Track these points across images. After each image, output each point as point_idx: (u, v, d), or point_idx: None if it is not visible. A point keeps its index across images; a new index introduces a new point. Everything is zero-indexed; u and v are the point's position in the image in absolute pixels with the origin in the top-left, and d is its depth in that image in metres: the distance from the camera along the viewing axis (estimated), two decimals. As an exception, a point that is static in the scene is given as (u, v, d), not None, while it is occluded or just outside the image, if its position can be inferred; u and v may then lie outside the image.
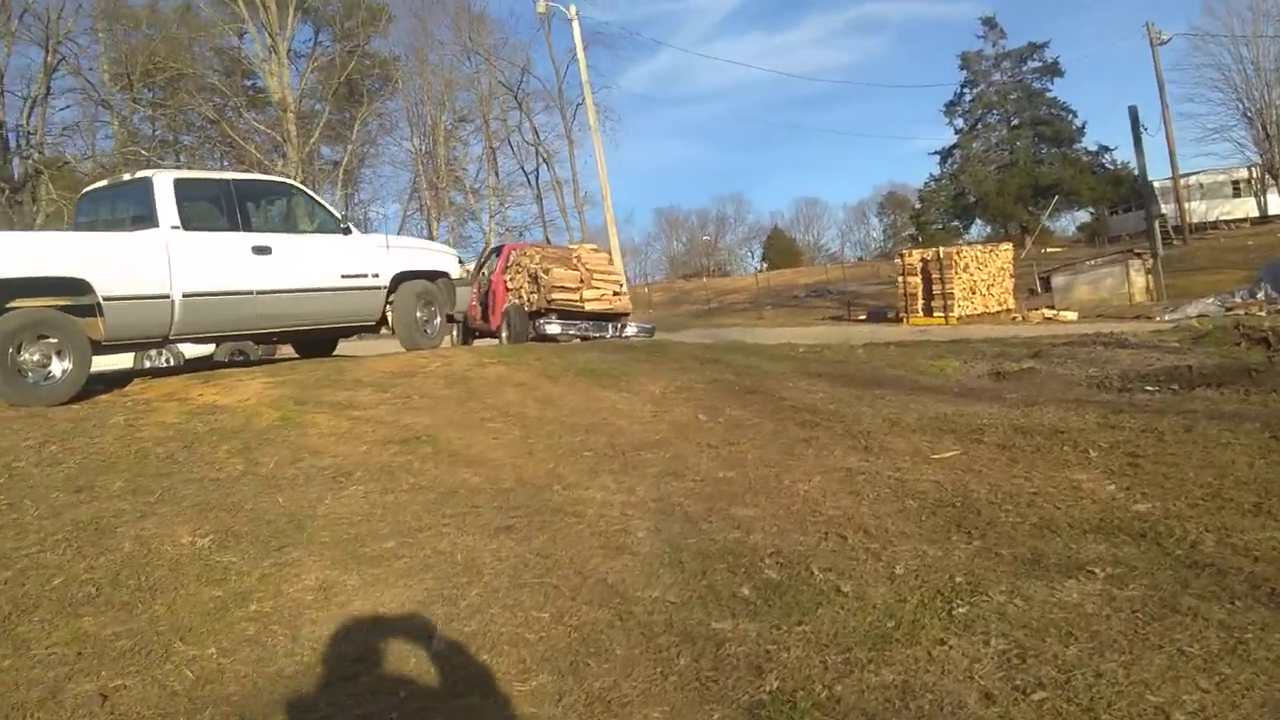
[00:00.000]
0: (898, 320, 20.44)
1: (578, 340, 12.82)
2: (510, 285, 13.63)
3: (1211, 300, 16.91)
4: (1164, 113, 36.03)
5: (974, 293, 20.18)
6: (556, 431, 6.14)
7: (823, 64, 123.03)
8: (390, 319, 9.61)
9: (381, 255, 9.34)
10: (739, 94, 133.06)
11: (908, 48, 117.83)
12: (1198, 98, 44.45)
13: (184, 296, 7.80)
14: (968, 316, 19.69)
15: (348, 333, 9.83)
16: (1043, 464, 4.75)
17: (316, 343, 10.10)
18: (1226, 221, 42.30)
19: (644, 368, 8.50)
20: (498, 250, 15.04)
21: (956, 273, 19.43)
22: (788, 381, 7.77)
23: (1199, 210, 42.60)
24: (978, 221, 61.14)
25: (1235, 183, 43.89)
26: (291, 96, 40.76)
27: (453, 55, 47.23)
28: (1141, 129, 24.72)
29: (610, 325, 13.03)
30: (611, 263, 14.58)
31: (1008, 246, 22.38)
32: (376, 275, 9.29)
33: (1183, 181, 40.76)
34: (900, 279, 20.47)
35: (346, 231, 9.09)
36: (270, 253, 8.41)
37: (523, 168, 44.83)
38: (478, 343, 14.57)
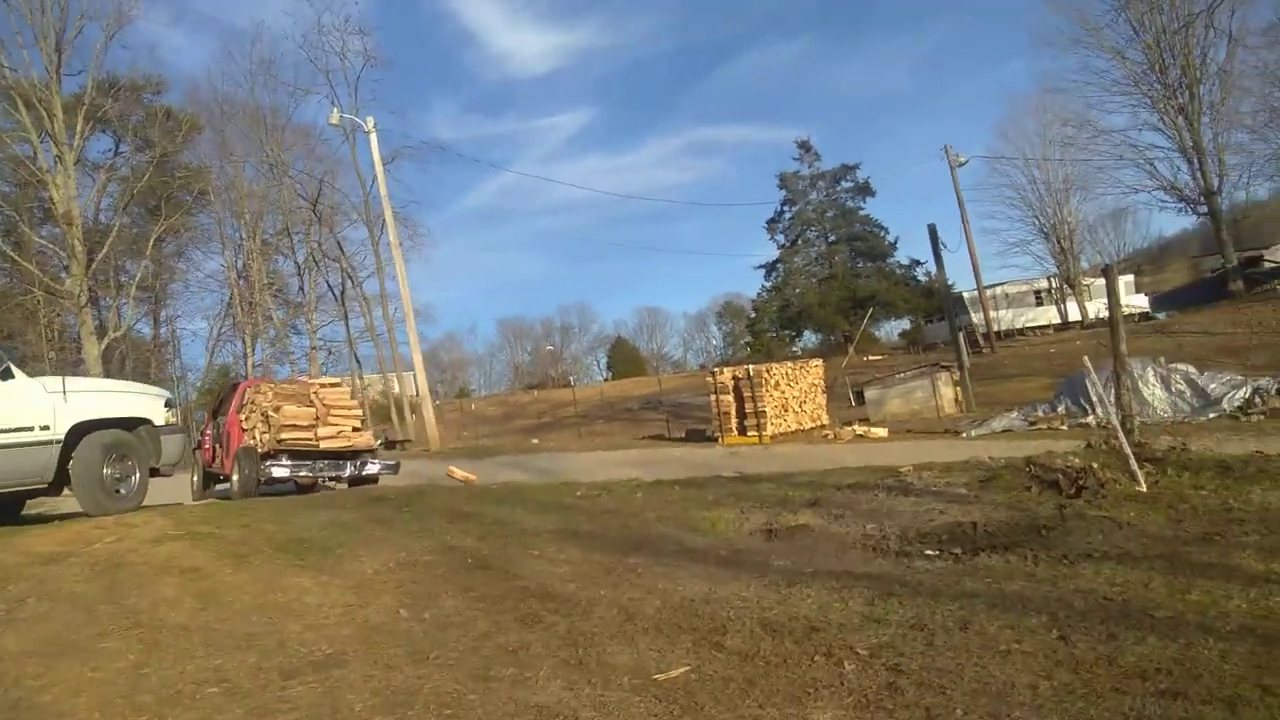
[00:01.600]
0: (713, 440, 19.71)
1: (318, 482, 11.93)
2: (245, 425, 12.33)
3: (1015, 415, 16.97)
4: (965, 228, 38.13)
5: (786, 410, 19.74)
6: (192, 651, 4.61)
7: (663, 182, 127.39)
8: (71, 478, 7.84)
9: (54, 403, 7.64)
10: (583, 209, 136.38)
11: (740, 168, 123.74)
12: (998, 214, 47.37)
13: None
14: (781, 435, 19.17)
15: (13, 497, 7.94)
16: (784, 687, 3.63)
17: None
18: (1032, 328, 44.95)
19: (373, 533, 7.08)
20: (234, 388, 13.79)
21: (768, 390, 18.94)
22: (537, 546, 6.51)
23: (1006, 318, 45.11)
24: (807, 331, 63.07)
25: (1037, 292, 46.89)
26: (77, 209, 37.66)
27: (255, 168, 45.13)
28: (941, 245, 25.57)
29: (349, 463, 11.95)
30: (353, 397, 13.43)
31: (818, 363, 22.24)
32: (46, 427, 7.56)
33: (990, 291, 43.14)
34: (713, 398, 19.82)
35: (5, 376, 7.34)
36: (-117, 407, 6.61)
37: (328, 283, 42.61)
38: (220, 487, 13.21)
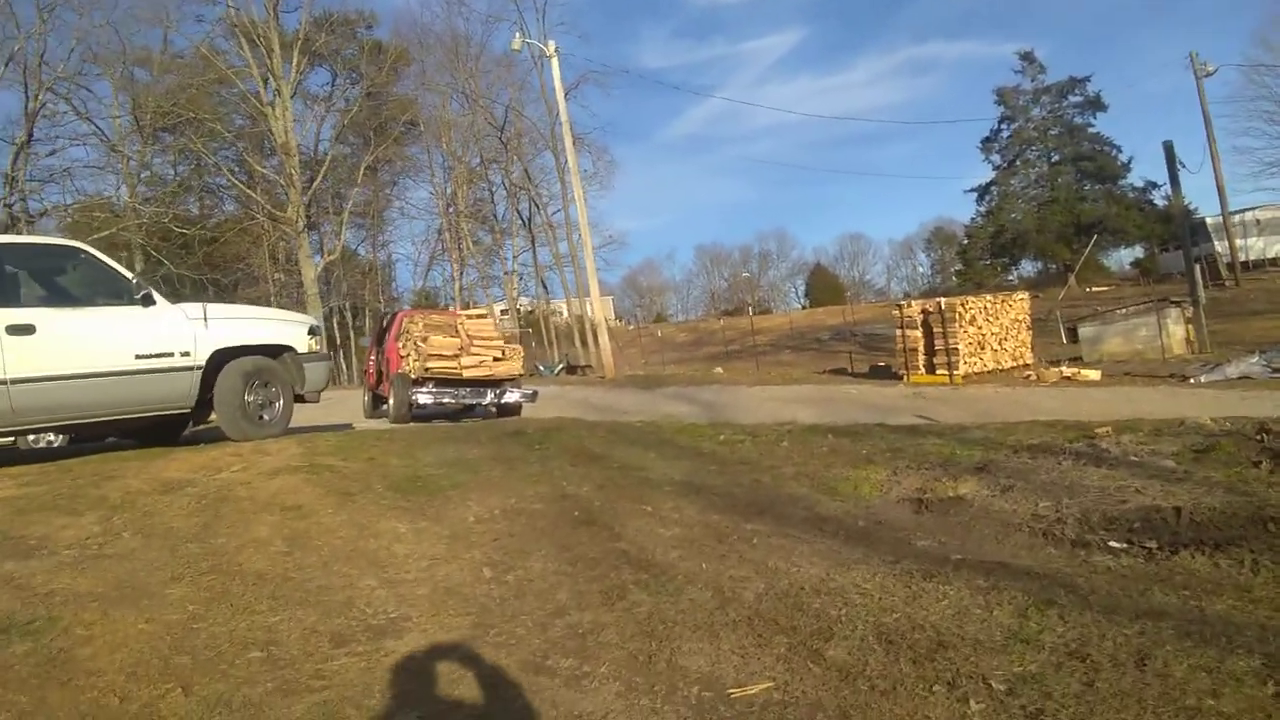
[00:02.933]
0: (898, 378, 18.31)
1: (454, 407, 12.59)
2: (401, 353, 12.82)
3: (1257, 360, 14.58)
4: (1210, 146, 33.68)
5: (983, 347, 17.96)
6: (255, 604, 4.30)
7: (874, 102, 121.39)
8: (214, 404, 7.92)
9: (195, 329, 7.66)
10: (787, 133, 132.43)
11: (955, 86, 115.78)
12: (1254, 131, 41.58)
13: (-93, 389, 6.19)
14: (975, 374, 17.50)
15: (160, 422, 8.11)
16: (884, 731, 2.80)
17: (148, 429, 8.40)
18: (1287, 259, 39.40)
19: (491, 473, 6.68)
20: (394, 316, 14.52)
21: (961, 326, 17.25)
22: (654, 500, 5.86)
23: (1255, 247, 39.74)
24: (1024, 259, 58.48)
25: (1295, 218, 40.93)
26: (295, 140, 39.98)
27: (455, 98, 46.11)
28: (1180, 165, 22.36)
29: (490, 391, 12.54)
30: (496, 328, 13.98)
31: (1023, 296, 20.04)
32: (187, 353, 7.60)
33: (1237, 217, 38.07)
34: (899, 333, 18.32)
35: (147, 301, 7.40)
36: (33, 332, 6.77)
37: (517, 210, 43.23)
38: (385, 408, 13.76)
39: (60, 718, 3.23)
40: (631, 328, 71.37)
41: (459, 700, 3.31)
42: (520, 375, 13.75)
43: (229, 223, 46.16)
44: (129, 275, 7.42)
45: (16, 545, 4.97)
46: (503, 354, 13.07)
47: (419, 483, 6.40)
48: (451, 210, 50.56)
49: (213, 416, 8.27)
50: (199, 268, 38.42)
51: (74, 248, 7.49)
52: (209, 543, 5.11)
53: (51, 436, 11.40)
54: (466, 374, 12.40)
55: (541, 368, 32.75)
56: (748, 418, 11.75)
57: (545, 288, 44.36)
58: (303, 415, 16.50)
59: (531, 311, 46.67)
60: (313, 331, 8.68)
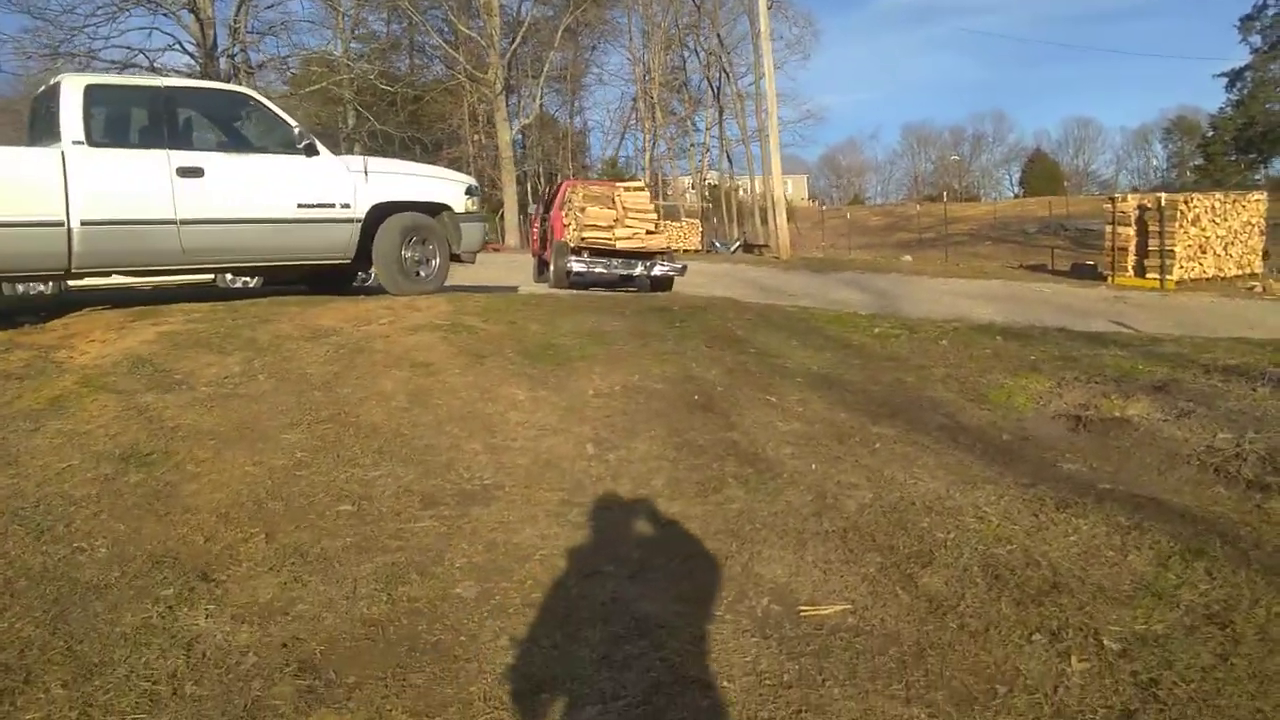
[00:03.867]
0: (1102, 278, 16.69)
1: (609, 277, 12.94)
2: (565, 221, 13.13)
3: None
4: None
5: (1204, 252, 15.97)
6: (360, 457, 4.38)
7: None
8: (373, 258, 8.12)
9: (355, 182, 7.81)
10: (1014, 8, 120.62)
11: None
12: None
13: (83, 224, 6.64)
14: (1190, 280, 15.66)
15: (320, 271, 8.42)
16: (959, 676, 2.47)
17: (323, 276, 8.78)
18: None
19: (624, 347, 6.52)
20: (560, 185, 14.99)
21: (1181, 225, 15.34)
22: (782, 390, 5.53)
23: None
24: (1276, 158, 51.65)
25: None
26: (496, 1, 40.03)
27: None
28: None
29: (640, 263, 12.83)
30: (653, 201, 14.11)
31: (1260, 196, 17.49)
32: (347, 205, 7.78)
33: None
34: (1109, 229, 16.55)
35: (310, 152, 7.57)
36: (201, 175, 7.09)
37: (707, 79, 41.79)
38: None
39: (147, 549, 3.38)
40: (825, 208, 69.10)
41: (519, 579, 3.20)
42: (671, 249, 14.23)
43: (433, 83, 47.42)
44: (294, 124, 7.57)
45: (163, 378, 5.28)
46: (655, 227, 13.33)
47: (550, 350, 6.33)
48: (646, 78, 49.74)
49: (373, 269, 8.51)
50: (403, 126, 39.80)
51: (244, 94, 7.71)
52: (335, 391, 5.25)
53: (248, 278, 12.12)
54: (619, 245, 12.72)
55: (718, 244, 32.23)
56: (918, 310, 11.02)
57: (730, 162, 43.23)
58: (476, 275, 17.09)
59: (716, 186, 45.75)
60: (470, 192, 8.67)
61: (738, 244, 32.05)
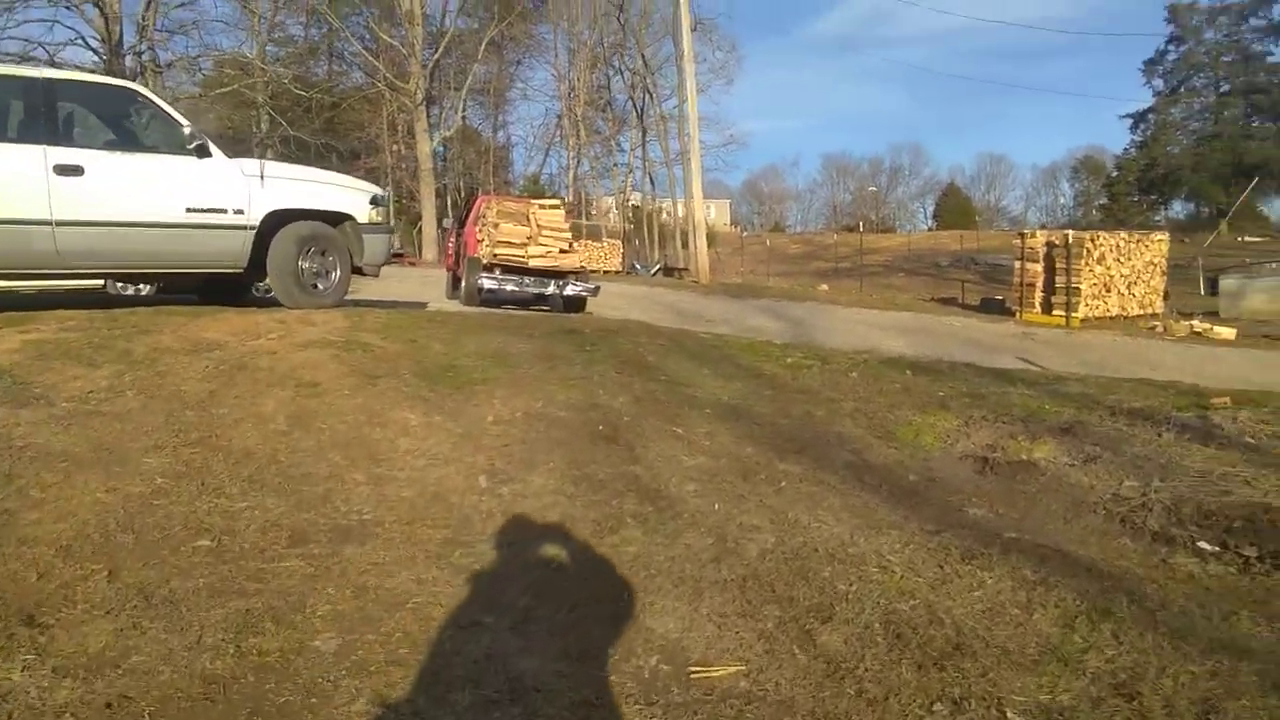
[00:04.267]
0: (1011, 314, 17.08)
1: (518, 294, 12.82)
2: (479, 237, 12.99)
3: None
4: None
5: (1108, 290, 16.49)
6: (227, 486, 4.02)
7: (1031, 15, 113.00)
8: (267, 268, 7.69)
9: (250, 187, 7.39)
10: (932, 43, 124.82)
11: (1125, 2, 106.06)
12: None
13: (-55, 226, 6.10)
14: (1095, 319, 16.13)
15: (214, 280, 7.95)
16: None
17: (217, 286, 8.29)
18: None
19: (530, 370, 6.25)
20: (476, 200, 14.91)
21: (1087, 264, 15.81)
22: (689, 422, 5.34)
23: None
24: (1175, 200, 54.17)
25: None
26: (419, 9, 39.51)
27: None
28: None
29: (552, 281, 12.73)
30: (568, 219, 13.84)
31: (1162, 237, 18.20)
32: (240, 211, 7.35)
33: None
34: (1018, 265, 16.97)
35: (202, 153, 7.13)
36: (81, 174, 6.60)
37: (630, 99, 41.93)
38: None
39: (-32, 589, 2.98)
40: (745, 234, 69.91)
41: (387, 630, 2.91)
42: (585, 269, 14.08)
43: (352, 90, 46.47)
44: (185, 123, 7.12)
45: (21, 392, 4.81)
46: (569, 246, 13.32)
47: (450, 372, 6.02)
48: (571, 96, 49.63)
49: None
50: (319, 133, 38.83)
51: (130, 89, 7.24)
52: (210, 412, 4.86)
53: (140, 285, 11.47)
54: (532, 263, 12.68)
55: (638, 266, 32.17)
56: (831, 341, 11.03)
57: (653, 183, 43.34)
58: (387, 289, 16.65)
59: (639, 208, 45.82)
60: (375, 201, 8.31)
61: (658, 267, 32.03)
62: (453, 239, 15.32)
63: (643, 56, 38.83)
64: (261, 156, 38.21)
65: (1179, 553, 3.54)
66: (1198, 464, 4.36)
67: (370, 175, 50.00)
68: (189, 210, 7.10)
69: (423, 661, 2.72)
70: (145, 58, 28.93)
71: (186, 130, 7.05)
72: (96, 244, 6.78)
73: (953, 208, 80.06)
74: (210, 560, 3.36)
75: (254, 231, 7.41)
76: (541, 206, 13.49)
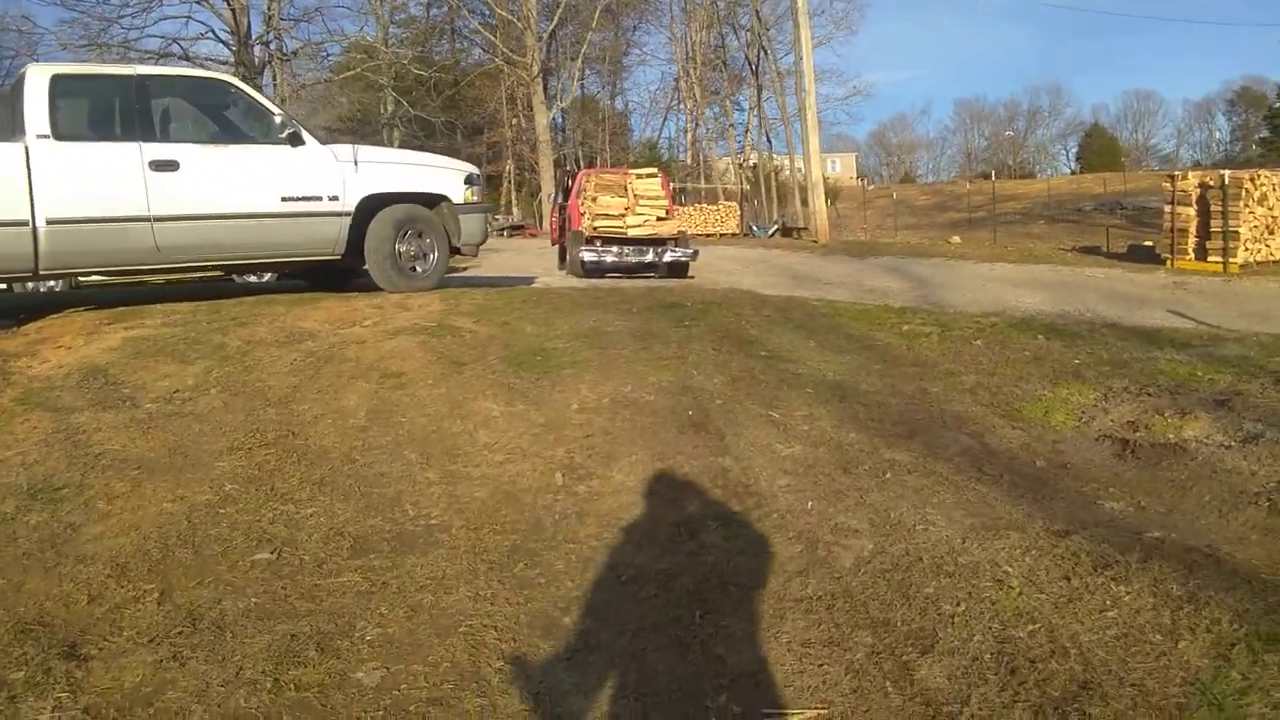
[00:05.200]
0: (1159, 261, 15.68)
1: (619, 264, 12.86)
2: (581, 210, 13.10)
3: None
4: None
5: (1271, 233, 14.84)
6: (297, 491, 3.91)
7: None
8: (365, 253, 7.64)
9: (344, 173, 7.33)
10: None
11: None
12: None
13: (49, 223, 6.24)
14: (1257, 264, 14.60)
15: (308, 267, 7.98)
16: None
17: (323, 271, 8.35)
18: None
19: (623, 350, 5.97)
20: (577, 174, 15.22)
21: (1247, 205, 14.26)
22: (788, 404, 4.92)
23: None
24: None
25: None
26: (532, -21, 39.44)
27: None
28: None
29: (651, 250, 12.76)
30: (665, 187, 13.59)
31: (1336, 170, 16.35)
32: (335, 198, 7.30)
33: None
34: (1168, 209, 15.50)
35: (295, 141, 7.10)
36: (176, 169, 6.66)
37: (745, 56, 40.69)
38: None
39: (19, 613, 2.91)
40: (871, 187, 67.61)
41: (434, 661, 2.67)
42: (685, 233, 14.04)
43: (472, 67, 47.05)
44: (278, 112, 7.09)
45: (109, 393, 4.85)
46: (667, 214, 13.27)
47: (539, 356, 5.79)
48: (688, 58, 48.79)
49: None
50: (442, 110, 39.42)
51: (222, 81, 7.25)
52: (290, 408, 4.78)
53: (264, 274, 11.71)
54: (631, 232, 12.77)
55: (755, 228, 31.33)
56: (958, 301, 10.30)
57: (770, 142, 42.18)
58: (503, 263, 16.83)
59: (756, 168, 44.79)
60: (470, 181, 8.13)
61: (775, 227, 31.15)
62: (556, 213, 15.47)
63: (757, 13, 37.56)
64: (388, 137, 39.15)
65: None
66: (1391, 443, 3.67)
67: (492, 149, 50.94)
68: (284, 199, 7.08)
69: (464, 701, 2.47)
70: (272, 47, 29.96)
71: (278, 119, 7.02)
72: (194, 238, 6.84)
73: (1098, 149, 75.14)
74: (267, 576, 3.22)
75: (349, 218, 7.35)
76: (638, 176, 13.48)
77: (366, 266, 7.78)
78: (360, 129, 48.26)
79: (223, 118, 7.23)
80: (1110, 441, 4.22)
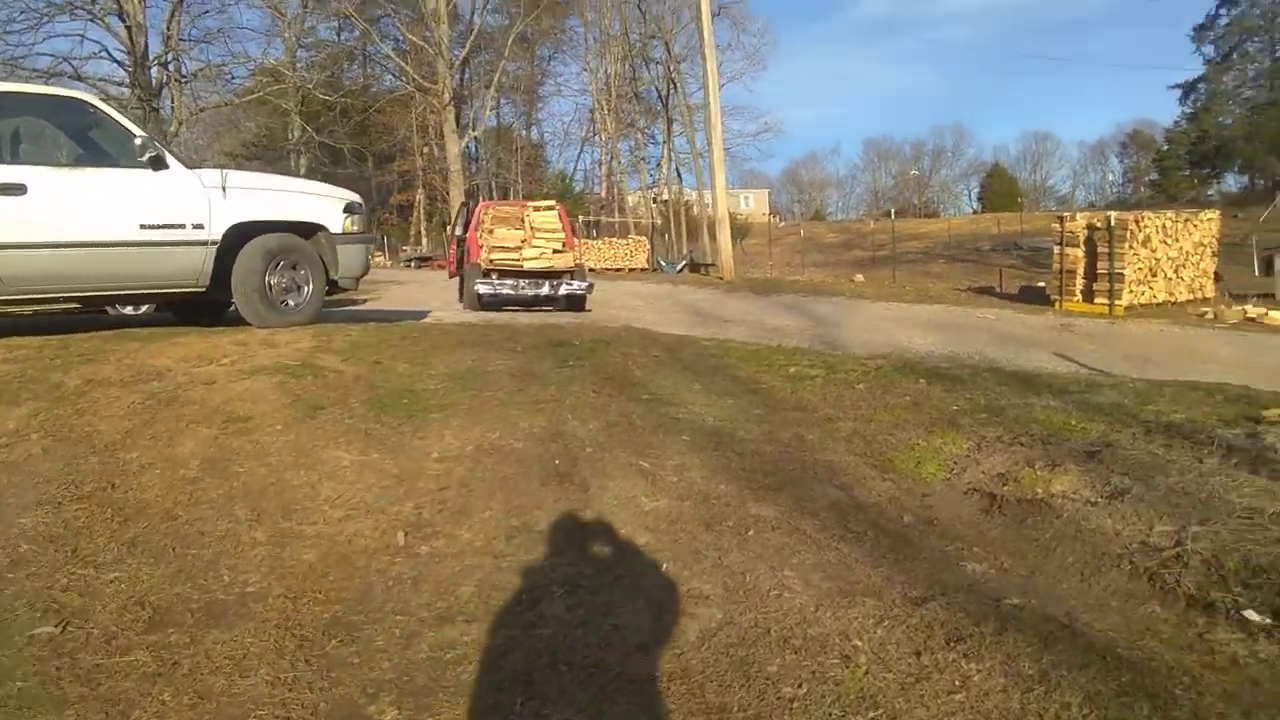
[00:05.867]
0: (1049, 303, 16.14)
1: (515, 296, 12.99)
2: (480, 242, 13.08)
3: None
4: None
5: (1155, 274, 15.46)
6: (99, 554, 3.52)
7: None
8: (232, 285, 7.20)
9: (211, 199, 6.89)
10: (975, 20, 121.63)
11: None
12: None
13: (-127, 253, 5.69)
14: (1141, 306, 15.13)
15: (168, 299, 7.51)
16: None
17: (198, 305, 7.82)
18: None
19: (495, 393, 5.68)
20: (475, 206, 15.22)
21: (1131, 247, 14.79)
22: (660, 453, 4.72)
23: None
24: (1228, 172, 52.07)
25: None
26: (444, 8, 39.13)
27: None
28: None
29: (547, 283, 12.85)
30: (562, 220, 13.65)
31: (1212, 215, 17.02)
32: (200, 226, 6.86)
33: None
34: (1057, 250, 15.97)
35: (157, 165, 6.65)
36: (23, 192, 6.16)
37: (656, 89, 41.12)
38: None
39: None
40: (782, 225, 68.79)
41: (209, 763, 2.35)
42: (582, 267, 14.04)
43: (381, 93, 46.35)
44: (139, 134, 6.64)
45: (-89, 441, 4.35)
46: (562, 246, 13.32)
47: (406, 398, 5.47)
48: (602, 90, 49.02)
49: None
50: (348, 138, 38.59)
51: (79, 100, 6.76)
52: (117, 456, 4.36)
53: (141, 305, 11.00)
54: (526, 265, 12.85)
55: (663, 264, 31.37)
56: (854, 339, 10.33)
57: (680, 177, 42.54)
58: (405, 296, 16.44)
59: (667, 202, 45.10)
60: (351, 209, 7.77)
61: (684, 263, 31.25)
62: (454, 245, 15.40)
63: (666, 45, 37.93)
64: (295, 163, 38.05)
65: (1220, 625, 2.85)
66: (1246, 499, 3.64)
67: (403, 178, 50.14)
68: (143, 226, 6.62)
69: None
70: (170, 68, 28.87)
71: (138, 141, 6.57)
72: (42, 267, 6.34)
73: (998, 189, 78.02)
74: (44, 654, 2.83)
75: (215, 247, 6.92)
76: (536, 209, 13.65)
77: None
78: (265, 154, 47.15)
79: (79, 138, 6.78)
80: (979, 496, 4.12)
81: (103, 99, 6.81)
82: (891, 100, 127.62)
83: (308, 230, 7.51)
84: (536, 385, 5.99)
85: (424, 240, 46.72)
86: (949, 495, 4.20)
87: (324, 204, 7.64)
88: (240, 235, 7.05)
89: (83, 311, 8.46)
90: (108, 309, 9.11)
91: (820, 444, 4.96)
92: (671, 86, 38.90)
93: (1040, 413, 5.46)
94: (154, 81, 28.04)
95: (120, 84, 27.63)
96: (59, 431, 4.57)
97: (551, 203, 14.36)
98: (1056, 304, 15.78)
